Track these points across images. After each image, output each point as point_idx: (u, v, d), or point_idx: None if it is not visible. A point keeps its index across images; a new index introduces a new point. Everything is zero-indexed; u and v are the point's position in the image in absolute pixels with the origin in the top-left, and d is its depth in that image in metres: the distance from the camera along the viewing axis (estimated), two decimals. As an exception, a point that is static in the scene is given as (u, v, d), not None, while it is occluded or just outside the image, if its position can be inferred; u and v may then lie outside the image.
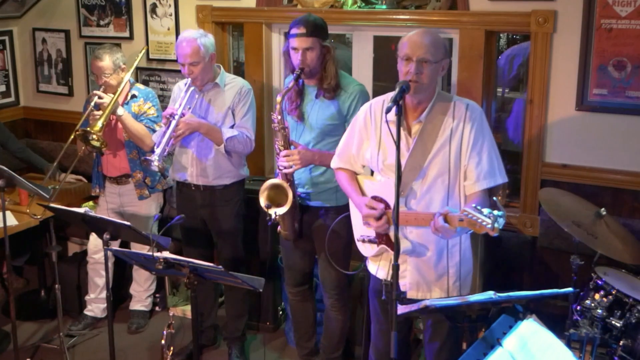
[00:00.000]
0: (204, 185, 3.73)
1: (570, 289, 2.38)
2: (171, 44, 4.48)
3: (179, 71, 3.70)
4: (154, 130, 3.92)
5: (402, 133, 2.65)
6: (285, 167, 3.20)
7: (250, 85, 3.75)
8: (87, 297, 4.39)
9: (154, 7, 4.53)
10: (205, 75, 3.60)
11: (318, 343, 3.79)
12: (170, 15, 4.48)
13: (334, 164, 3.01)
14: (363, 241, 2.86)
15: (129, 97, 4.05)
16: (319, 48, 3.18)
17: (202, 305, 3.88)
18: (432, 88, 2.65)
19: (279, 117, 3.19)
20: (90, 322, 4.35)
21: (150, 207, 4.18)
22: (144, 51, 4.48)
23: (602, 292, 3.15)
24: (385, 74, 4.24)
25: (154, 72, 4.65)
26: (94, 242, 4.22)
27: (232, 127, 3.64)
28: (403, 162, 2.64)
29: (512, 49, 4.76)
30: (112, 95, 3.89)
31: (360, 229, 2.85)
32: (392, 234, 2.71)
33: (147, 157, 3.46)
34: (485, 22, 3.63)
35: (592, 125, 3.50)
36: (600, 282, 3.18)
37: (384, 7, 3.95)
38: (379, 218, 2.66)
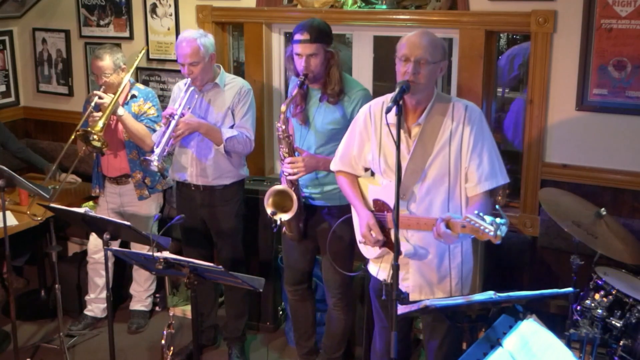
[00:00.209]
0: (204, 185, 3.73)
1: (570, 289, 2.38)
2: (171, 44, 4.48)
3: (179, 71, 3.70)
4: (154, 130, 3.92)
5: (402, 135, 2.65)
6: (290, 174, 3.20)
7: (250, 85, 3.75)
8: (87, 297, 4.39)
9: (154, 7, 4.53)
10: (205, 75, 3.60)
11: (318, 342, 3.80)
12: (170, 15, 4.48)
13: (334, 166, 3.00)
14: (365, 243, 2.86)
15: (129, 97, 4.05)
16: (323, 54, 3.16)
17: (202, 305, 3.88)
18: (430, 89, 2.65)
19: (283, 127, 3.19)
20: (90, 322, 4.35)
21: (150, 207, 4.18)
22: (144, 51, 4.48)
23: (602, 292, 3.15)
24: (385, 74, 4.24)
25: (154, 72, 4.65)
26: (94, 242, 4.22)
27: (231, 127, 3.64)
28: (404, 165, 2.64)
29: (512, 48, 4.76)
30: (113, 96, 3.89)
31: (362, 230, 2.86)
32: (393, 237, 2.72)
33: (147, 157, 3.46)
34: (485, 22, 3.63)
35: (592, 125, 3.50)
36: (600, 282, 3.18)
37: (384, 7, 3.95)
38: (374, 242, 2.72)
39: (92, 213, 3.27)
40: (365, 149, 2.85)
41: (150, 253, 2.84)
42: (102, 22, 4.75)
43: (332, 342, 3.66)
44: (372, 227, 2.73)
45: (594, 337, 3.07)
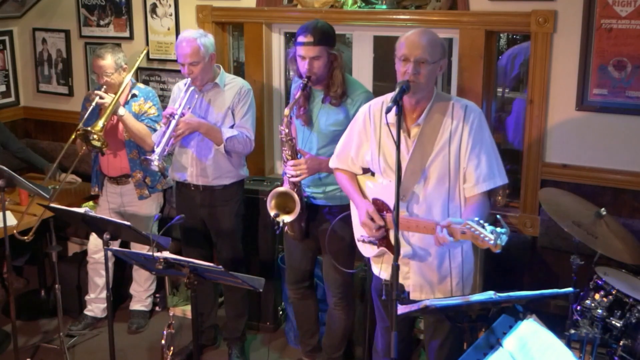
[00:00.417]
0: (204, 185, 3.73)
1: (570, 289, 2.38)
2: (171, 44, 4.48)
3: (179, 71, 3.70)
4: (154, 130, 3.92)
5: (402, 135, 2.65)
6: (293, 177, 3.20)
7: (250, 85, 3.75)
8: (87, 297, 4.39)
9: (154, 7, 4.53)
10: (205, 75, 3.60)
11: (321, 340, 3.79)
12: (171, 15, 4.48)
13: (332, 163, 3.01)
14: (363, 241, 2.86)
15: (129, 97, 4.05)
16: (326, 56, 3.16)
17: (202, 306, 3.88)
18: (430, 88, 2.65)
19: (287, 130, 3.19)
20: (90, 322, 4.35)
21: (151, 207, 4.18)
22: (145, 51, 4.48)
23: (602, 292, 3.15)
24: (385, 74, 4.24)
25: (154, 72, 4.65)
26: (94, 242, 4.22)
27: (231, 127, 3.64)
28: (403, 165, 2.63)
29: (513, 48, 4.76)
30: (114, 96, 3.89)
31: (361, 229, 2.85)
32: (392, 236, 2.72)
33: (147, 157, 3.46)
34: (485, 22, 3.63)
35: (592, 125, 3.50)
36: (600, 282, 3.18)
37: (384, 7, 3.94)
38: (376, 229, 2.69)
39: (92, 213, 3.27)
40: (362, 150, 2.85)
41: (150, 253, 2.84)
42: (102, 22, 4.75)
43: (332, 342, 3.66)
44: (372, 214, 2.71)
45: (594, 337, 3.07)
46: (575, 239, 3.12)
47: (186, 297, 4.54)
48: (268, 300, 4.23)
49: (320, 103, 3.28)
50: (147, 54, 4.58)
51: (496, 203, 3.82)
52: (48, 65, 5.09)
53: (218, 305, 4.23)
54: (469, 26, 3.67)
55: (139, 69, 4.60)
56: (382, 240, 2.76)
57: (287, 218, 3.21)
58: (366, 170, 2.93)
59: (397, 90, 2.44)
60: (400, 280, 2.75)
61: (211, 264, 2.78)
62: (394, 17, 3.87)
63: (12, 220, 3.92)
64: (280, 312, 4.35)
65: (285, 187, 3.25)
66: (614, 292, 3.12)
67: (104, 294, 4.01)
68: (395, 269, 2.24)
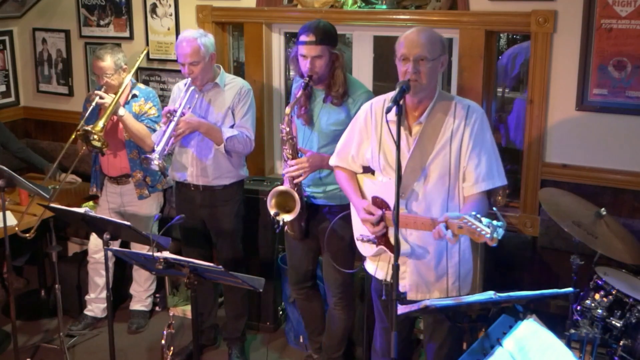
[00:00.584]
0: (204, 185, 3.73)
1: (570, 289, 2.38)
2: (171, 44, 4.48)
3: (179, 71, 3.70)
4: (154, 130, 3.92)
5: (403, 133, 2.65)
6: (294, 177, 3.20)
7: (250, 85, 3.75)
8: (87, 297, 4.40)
9: (154, 7, 4.53)
10: (205, 75, 3.60)
11: None
12: (171, 15, 4.48)
13: (332, 161, 3.01)
14: (362, 241, 2.86)
15: (129, 97, 4.05)
16: (328, 55, 3.17)
17: (201, 306, 3.88)
18: (433, 87, 2.65)
19: (288, 129, 3.19)
20: (91, 322, 4.35)
21: (151, 207, 4.18)
22: (145, 52, 4.48)
23: (602, 292, 3.15)
24: (385, 74, 4.24)
25: (154, 72, 4.65)
26: (95, 241, 4.22)
27: (231, 127, 3.64)
28: (404, 163, 2.63)
29: (514, 47, 4.75)
30: (114, 96, 3.89)
31: (360, 229, 2.85)
32: (390, 235, 2.72)
33: (147, 155, 3.46)
34: (485, 22, 3.63)
35: (592, 125, 3.50)
36: (600, 282, 3.18)
37: (384, 7, 3.95)
38: (376, 223, 2.67)
39: (92, 213, 3.27)
40: (363, 147, 2.85)
41: (150, 253, 2.84)
42: (102, 22, 4.75)
43: (332, 342, 3.67)
44: (369, 208, 2.71)
45: (594, 337, 3.07)
46: (575, 239, 3.11)
47: (186, 297, 4.54)
48: (268, 300, 4.23)
49: (322, 103, 3.28)
50: (147, 54, 4.58)
51: (496, 203, 3.82)
52: (48, 65, 5.09)
53: (218, 305, 4.23)
54: (469, 26, 3.67)
55: (139, 69, 4.60)
56: (381, 239, 2.75)
57: (287, 217, 3.22)
58: (366, 169, 2.93)
59: (397, 90, 2.44)
60: (390, 280, 2.75)
61: (211, 264, 2.78)
62: (394, 17, 3.87)
63: (12, 220, 3.92)
64: (280, 312, 4.35)
65: (285, 186, 3.25)
66: (614, 292, 3.12)
67: (104, 294, 4.01)
68: (396, 269, 2.24)
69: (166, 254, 2.84)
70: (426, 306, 2.28)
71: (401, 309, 2.27)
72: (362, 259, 3.01)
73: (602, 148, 3.49)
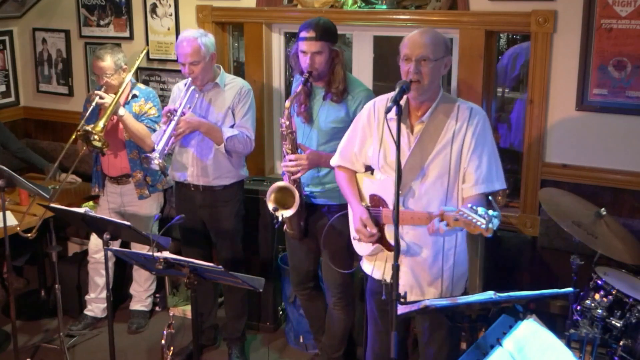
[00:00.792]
0: (204, 185, 3.73)
1: (570, 289, 2.38)
2: (171, 44, 4.48)
3: (179, 71, 3.71)
4: (154, 130, 3.92)
5: (405, 131, 2.66)
6: (293, 173, 3.20)
7: (250, 85, 3.75)
8: (87, 297, 4.40)
9: (154, 7, 4.53)
10: (206, 74, 3.60)
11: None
12: (171, 15, 4.48)
13: (334, 161, 3.01)
14: (359, 240, 2.86)
15: (129, 97, 4.05)
16: (328, 52, 3.18)
17: (201, 306, 3.88)
18: (436, 88, 2.65)
19: (287, 123, 3.20)
20: (91, 322, 4.35)
21: (151, 206, 4.18)
22: (145, 51, 4.48)
23: (602, 292, 3.15)
24: (385, 74, 4.24)
25: (154, 72, 4.65)
26: (95, 241, 4.22)
27: (232, 127, 3.64)
28: (403, 160, 2.64)
29: (514, 47, 4.75)
30: (114, 96, 3.89)
31: (357, 228, 2.86)
32: (387, 233, 2.72)
33: (148, 155, 3.46)
34: (485, 22, 3.63)
35: (592, 125, 3.50)
36: (600, 282, 3.18)
37: (384, 7, 3.95)
38: (369, 236, 2.71)
39: (92, 213, 3.27)
40: (366, 145, 2.85)
41: (150, 253, 2.84)
42: (102, 22, 4.76)
43: (332, 342, 3.66)
44: (366, 222, 2.73)
45: (594, 337, 3.07)
46: (575, 239, 3.12)
47: (186, 297, 4.54)
48: (268, 300, 4.23)
49: (321, 100, 3.29)
50: (147, 54, 4.58)
51: (496, 203, 3.82)
52: (48, 65, 5.09)
53: (218, 305, 4.23)
54: (469, 26, 3.67)
55: (139, 69, 4.60)
56: (378, 238, 2.76)
57: (286, 213, 3.22)
58: (367, 169, 2.93)
59: (397, 90, 2.44)
60: (390, 280, 2.75)
61: (211, 264, 2.79)
62: (394, 17, 3.87)
63: (12, 220, 3.92)
64: (280, 312, 4.35)
65: (284, 182, 3.25)
66: (614, 292, 3.12)
67: (104, 294, 4.01)
68: (396, 269, 2.24)
69: (166, 254, 2.85)
70: (426, 306, 2.28)
71: (401, 309, 2.27)
72: (359, 258, 3.01)
73: (602, 148, 3.49)
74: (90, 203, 4.42)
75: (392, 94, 2.70)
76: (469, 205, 2.31)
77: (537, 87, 3.57)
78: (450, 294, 2.77)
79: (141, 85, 4.19)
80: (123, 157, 4.09)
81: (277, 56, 4.38)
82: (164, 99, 4.43)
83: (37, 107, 5.22)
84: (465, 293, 2.84)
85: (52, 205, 3.50)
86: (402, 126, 2.57)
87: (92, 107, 3.95)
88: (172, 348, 3.22)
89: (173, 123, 3.47)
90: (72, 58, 4.96)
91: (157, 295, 4.52)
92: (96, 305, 4.37)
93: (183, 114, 3.52)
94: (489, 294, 2.28)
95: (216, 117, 3.64)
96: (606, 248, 3.10)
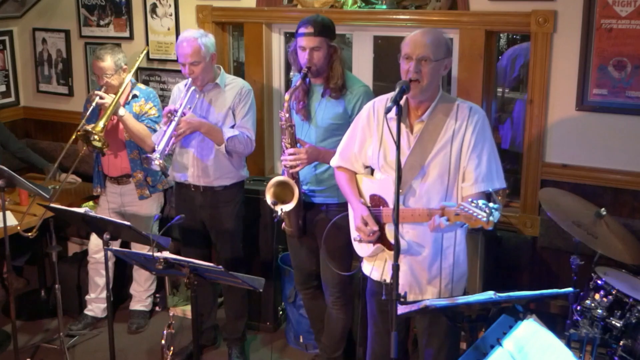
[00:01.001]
0: (204, 186, 3.73)
1: (570, 289, 2.38)
2: (171, 44, 4.48)
3: (179, 71, 3.71)
4: (155, 131, 3.92)
5: (404, 131, 2.67)
6: (291, 166, 3.21)
7: (251, 85, 3.75)
8: (87, 297, 4.40)
9: (154, 7, 4.53)
10: (206, 75, 3.60)
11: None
12: (171, 15, 4.48)
13: (334, 162, 3.01)
14: (360, 241, 2.86)
15: (130, 97, 4.05)
16: (326, 48, 3.20)
17: (201, 307, 3.87)
18: (435, 88, 2.65)
19: (287, 115, 3.21)
20: (91, 322, 4.35)
21: (151, 207, 4.18)
22: (145, 51, 4.48)
23: (602, 292, 3.15)
24: (385, 74, 4.24)
25: (154, 72, 4.65)
26: (95, 241, 4.22)
27: (232, 127, 3.64)
28: (403, 159, 2.64)
29: (513, 49, 4.76)
30: (114, 96, 3.89)
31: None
32: (387, 232, 2.72)
33: (148, 155, 3.46)
34: (485, 22, 3.63)
35: (592, 125, 3.50)
36: (600, 282, 3.18)
37: (384, 7, 3.95)
38: (370, 234, 2.70)
39: (92, 213, 3.27)
40: (366, 146, 2.85)
41: (150, 253, 2.84)
42: (102, 22, 4.75)
43: (331, 342, 3.66)
44: (367, 219, 2.72)
45: (594, 337, 3.07)
46: (575, 239, 3.12)
47: (186, 297, 4.54)
48: (268, 300, 4.23)
49: (320, 97, 3.31)
50: (147, 54, 4.58)
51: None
52: (48, 65, 5.09)
53: (217, 305, 4.22)
54: (469, 26, 3.67)
55: (139, 69, 4.60)
56: (378, 238, 2.76)
57: (285, 207, 3.22)
58: (367, 169, 2.93)
59: (397, 90, 2.44)
60: (390, 280, 2.75)
61: (211, 264, 2.79)
62: (394, 17, 3.87)
63: (12, 220, 3.92)
64: (280, 312, 4.35)
65: (284, 177, 3.26)
66: (614, 292, 3.11)
67: (104, 294, 4.01)
68: (396, 268, 2.24)
69: (166, 254, 2.85)
70: (426, 306, 2.28)
71: (401, 309, 2.27)
72: (359, 259, 3.01)
73: (602, 148, 3.49)
74: (90, 203, 4.42)
75: (391, 94, 2.70)
76: (469, 200, 2.32)
77: (537, 87, 3.57)
78: (450, 294, 2.77)
79: (141, 86, 4.19)
80: (123, 157, 4.09)
81: (277, 56, 4.38)
82: (164, 99, 4.43)
83: (37, 107, 5.22)
84: (465, 293, 2.84)
85: (52, 205, 3.51)
86: (402, 126, 2.57)
87: (92, 107, 3.95)
88: (172, 348, 3.22)
89: (173, 124, 3.47)
90: (72, 58, 4.96)
91: (157, 295, 4.52)
92: (96, 305, 4.37)
93: (183, 114, 3.52)
94: (489, 294, 2.28)
95: (216, 117, 3.64)
96: (606, 248, 3.10)
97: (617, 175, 3.48)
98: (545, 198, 3.32)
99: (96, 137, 3.78)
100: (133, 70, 4.15)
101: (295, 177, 3.27)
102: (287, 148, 3.25)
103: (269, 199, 3.24)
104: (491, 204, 2.25)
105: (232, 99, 3.65)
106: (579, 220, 3.16)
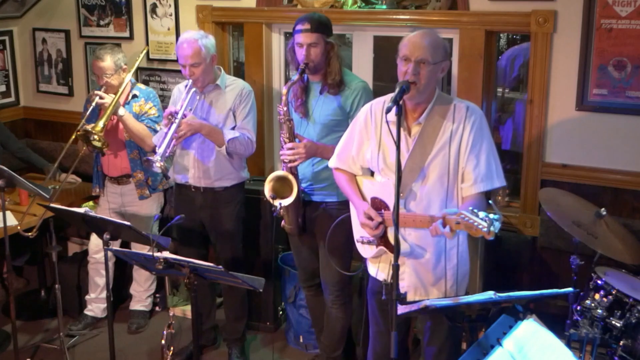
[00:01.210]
0: (205, 187, 3.73)
1: (570, 289, 2.38)
2: (171, 44, 4.48)
3: (179, 71, 3.71)
4: (155, 130, 3.92)
5: (402, 134, 2.66)
6: (290, 161, 3.21)
7: (250, 85, 3.75)
8: (87, 297, 4.40)
9: (154, 7, 4.53)
10: (207, 76, 3.60)
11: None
12: (170, 15, 4.48)
13: (332, 163, 3.01)
14: (362, 242, 2.86)
15: (130, 97, 4.05)
16: (323, 44, 3.22)
17: (200, 308, 3.88)
18: (432, 89, 2.65)
19: (285, 109, 3.22)
20: (91, 322, 4.35)
21: (151, 207, 4.18)
22: (145, 51, 4.48)
23: (602, 292, 3.15)
24: (385, 74, 4.24)
25: (154, 72, 4.65)
26: (95, 241, 4.22)
27: (232, 128, 3.64)
28: (402, 162, 2.64)
29: (512, 49, 4.75)
30: (114, 96, 3.89)
31: (360, 230, 2.85)
32: (390, 235, 2.72)
33: (149, 158, 3.46)
34: (485, 22, 3.63)
35: (592, 125, 3.50)
36: (600, 282, 3.18)
37: (384, 7, 3.95)
38: (375, 227, 2.68)
39: (92, 213, 3.27)
40: (364, 149, 2.85)
41: (150, 253, 2.84)
42: (102, 22, 4.76)
43: (330, 341, 3.66)
44: (369, 212, 2.71)
45: (594, 337, 3.07)
46: (575, 239, 3.11)
47: (186, 297, 4.54)
48: (268, 300, 4.23)
49: (318, 95, 3.33)
50: (147, 54, 4.58)
51: (496, 203, 3.83)
52: (48, 65, 5.09)
53: (216, 306, 4.22)
54: (469, 26, 3.67)
55: (139, 69, 4.60)
56: (381, 240, 2.76)
57: (284, 201, 3.23)
58: (365, 171, 2.93)
59: (397, 90, 2.44)
60: (390, 280, 2.75)
61: (211, 264, 2.79)
62: (394, 17, 3.87)
63: (12, 220, 3.92)
64: (280, 312, 4.35)
65: (284, 172, 3.27)
66: (614, 292, 3.11)
67: (104, 294, 4.01)
68: (396, 268, 2.24)
69: (166, 254, 2.85)
70: (426, 306, 2.28)
71: (401, 309, 2.27)
72: (363, 260, 3.01)
73: (602, 148, 3.49)
74: (90, 203, 4.42)
75: (389, 96, 2.71)
76: (470, 208, 2.31)
77: (537, 87, 3.57)
78: (455, 294, 2.77)
79: (141, 85, 4.19)
80: (123, 157, 4.09)
81: (277, 56, 4.38)
82: (164, 99, 4.43)
83: (37, 107, 5.22)
84: (465, 293, 2.84)
85: (52, 205, 3.51)
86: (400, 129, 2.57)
87: (92, 107, 3.95)
88: (172, 348, 3.22)
89: (174, 125, 3.47)
90: (72, 58, 4.96)
91: (157, 295, 4.52)
92: (96, 305, 4.37)
93: (184, 116, 3.52)
94: (489, 294, 2.28)
95: (217, 118, 3.64)
96: (606, 248, 3.10)
97: (617, 175, 3.48)
98: (545, 198, 3.32)
99: (96, 137, 3.78)
100: (133, 70, 4.15)
101: (294, 172, 3.28)
102: (285, 143, 3.26)
103: (267, 192, 3.25)
104: (492, 215, 2.25)
105: (232, 101, 3.64)
106: (579, 220, 3.16)
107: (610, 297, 3.11)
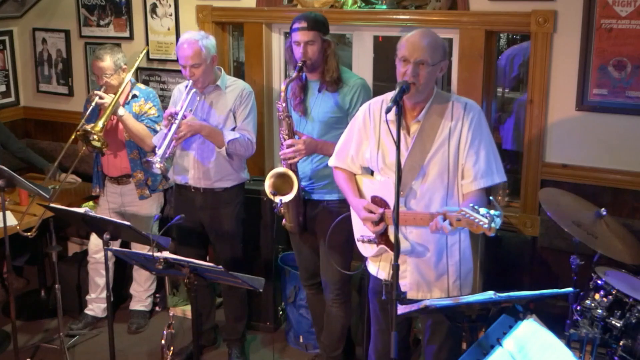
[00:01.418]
0: (205, 188, 3.73)
1: (570, 289, 2.38)
2: (171, 44, 4.48)
3: (179, 71, 3.70)
4: (154, 130, 3.92)
5: (401, 132, 2.65)
6: (289, 158, 3.22)
7: (250, 85, 3.75)
8: (87, 297, 4.40)
9: (154, 7, 4.53)
10: (207, 77, 3.60)
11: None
12: (171, 15, 4.48)
13: (331, 162, 3.01)
14: (363, 241, 2.86)
15: (129, 97, 4.05)
16: (320, 42, 3.24)
17: (200, 308, 3.87)
18: (430, 88, 2.65)
19: (284, 105, 3.23)
20: (91, 322, 4.35)
21: (151, 207, 4.18)
22: (145, 51, 4.48)
23: (602, 292, 3.15)
24: (385, 74, 4.24)
25: (154, 72, 4.65)
26: (95, 241, 4.22)
27: (233, 129, 3.64)
28: (402, 161, 2.64)
29: (512, 48, 4.76)
30: (113, 96, 3.89)
31: (360, 229, 2.85)
32: (391, 233, 2.72)
33: (149, 159, 3.45)
34: (485, 22, 3.63)
35: (592, 125, 3.50)
36: (600, 282, 3.18)
37: (384, 7, 3.95)
38: (377, 222, 2.67)
39: (92, 213, 3.27)
40: (362, 148, 2.85)
41: (150, 253, 2.84)
42: (102, 22, 4.75)
43: (330, 340, 3.66)
44: (369, 207, 2.71)
45: (594, 337, 3.07)
46: (575, 239, 3.11)
47: (186, 297, 4.54)
48: (268, 300, 4.23)
49: (316, 93, 3.34)
50: (147, 54, 4.58)
51: (497, 202, 3.82)
52: (48, 65, 5.09)
53: (216, 307, 4.22)
54: (469, 26, 3.67)
55: (139, 69, 4.60)
56: (381, 238, 2.76)
57: (285, 198, 3.23)
58: (365, 170, 2.93)
59: (397, 90, 2.44)
60: (390, 279, 2.75)
61: (211, 264, 2.79)
62: (394, 17, 3.87)
63: (12, 220, 3.92)
64: (280, 312, 4.35)
65: (284, 168, 3.27)
66: (614, 292, 3.11)
67: (104, 294, 4.01)
68: (396, 268, 2.24)
69: (166, 254, 2.85)
70: (426, 306, 2.28)
71: (401, 309, 2.27)
72: (363, 259, 3.01)
73: (602, 148, 3.49)
74: (90, 203, 4.42)
75: (387, 95, 2.71)
76: (471, 205, 2.32)
77: (537, 87, 3.57)
78: (459, 291, 2.77)
79: (141, 85, 4.19)
80: (123, 157, 4.09)
81: (277, 56, 4.38)
82: (164, 99, 4.43)
83: (37, 107, 5.22)
84: (470, 290, 2.84)
85: (52, 205, 3.51)
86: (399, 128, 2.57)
87: (91, 107, 3.95)
88: (172, 348, 3.22)
89: (174, 126, 3.47)
90: (72, 58, 4.96)
91: (157, 295, 4.52)
92: (96, 305, 4.37)
93: (184, 117, 3.52)
94: (489, 294, 2.28)
95: (217, 119, 3.64)
96: (606, 248, 3.10)
97: (617, 175, 3.48)
98: (545, 198, 3.31)
99: (95, 137, 3.78)
100: (133, 70, 4.15)
101: (294, 169, 3.29)
102: (285, 140, 3.26)
103: (267, 188, 3.25)
104: (492, 211, 2.25)
105: (233, 101, 3.64)
106: (579, 220, 3.16)
107: (610, 297, 3.11)
